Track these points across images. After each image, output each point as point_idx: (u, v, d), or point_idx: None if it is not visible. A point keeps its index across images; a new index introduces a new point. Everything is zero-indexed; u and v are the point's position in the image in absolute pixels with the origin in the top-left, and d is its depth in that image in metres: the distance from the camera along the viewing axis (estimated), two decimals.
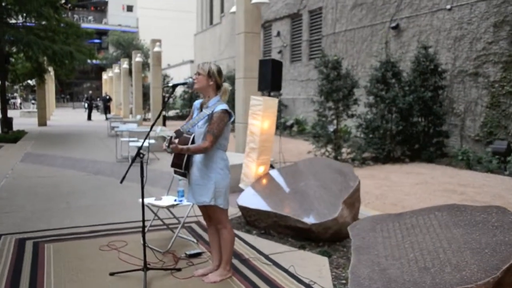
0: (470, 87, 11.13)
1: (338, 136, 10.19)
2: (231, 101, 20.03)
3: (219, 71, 3.15)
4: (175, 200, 4.10)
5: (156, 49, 15.23)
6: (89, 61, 15.82)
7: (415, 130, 10.44)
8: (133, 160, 3.11)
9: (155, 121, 3.20)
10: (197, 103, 3.30)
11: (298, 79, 18.90)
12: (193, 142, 3.09)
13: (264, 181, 5.25)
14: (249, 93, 8.53)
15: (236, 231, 4.55)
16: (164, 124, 17.02)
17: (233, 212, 5.23)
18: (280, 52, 20.01)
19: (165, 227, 4.43)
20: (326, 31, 17.05)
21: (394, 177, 8.26)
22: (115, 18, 43.57)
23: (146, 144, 3.31)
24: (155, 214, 4.21)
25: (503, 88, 10.27)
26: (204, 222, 4.79)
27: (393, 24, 13.42)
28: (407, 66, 11.64)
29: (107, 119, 25.56)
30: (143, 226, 3.29)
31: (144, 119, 19.45)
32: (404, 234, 3.32)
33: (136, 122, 14.82)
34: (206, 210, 3.22)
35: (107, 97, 26.26)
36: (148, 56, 27.56)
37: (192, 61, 31.54)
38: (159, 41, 15.50)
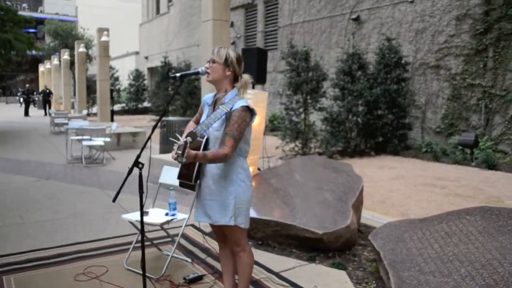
0: (432, 79, 11.20)
1: (306, 130, 9.84)
2: (192, 96, 18.91)
3: (239, 59, 2.52)
4: (166, 214, 3.46)
5: (104, 38, 14.07)
6: (28, 51, 14.32)
7: (381, 123, 10.32)
8: (129, 171, 2.46)
9: (158, 122, 2.57)
10: (207, 98, 2.69)
11: None
12: (205, 148, 2.49)
13: (254, 184, 4.70)
14: None
15: None
16: (112, 120, 15.88)
17: None
18: (233, 43, 19.40)
19: (148, 243, 3.77)
20: (283, 22, 16.67)
21: (368, 172, 8.01)
22: (52, 6, 40.61)
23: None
24: (140, 231, 3.52)
25: (464, 81, 10.39)
26: (191, 235, 4.21)
27: (354, 16, 13.28)
28: (369, 58, 11.50)
29: (46, 114, 23.71)
30: (143, 254, 2.62)
31: (88, 114, 18.10)
32: (442, 244, 2.93)
33: (81, 118, 13.65)
34: (222, 230, 2.61)
35: (47, 91, 24.30)
36: (90, 46, 25.86)
37: (137, 53, 30.06)
38: (107, 30, 14.34)
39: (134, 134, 10.62)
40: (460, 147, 9.74)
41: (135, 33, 30.61)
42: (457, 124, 10.64)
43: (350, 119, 10.28)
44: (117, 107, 24.20)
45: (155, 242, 3.84)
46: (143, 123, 17.95)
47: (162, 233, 3.97)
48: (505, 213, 3.07)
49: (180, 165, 2.50)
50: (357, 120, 10.31)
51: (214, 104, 2.56)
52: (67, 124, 10.36)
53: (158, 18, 26.75)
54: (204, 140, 2.49)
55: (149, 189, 6.18)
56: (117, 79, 24.14)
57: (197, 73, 2.52)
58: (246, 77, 2.55)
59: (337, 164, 4.67)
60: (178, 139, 2.26)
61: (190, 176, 2.52)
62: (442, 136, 10.95)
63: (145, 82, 24.10)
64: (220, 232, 2.70)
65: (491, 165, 8.43)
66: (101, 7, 39.88)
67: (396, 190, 6.48)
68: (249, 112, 2.46)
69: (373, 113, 10.30)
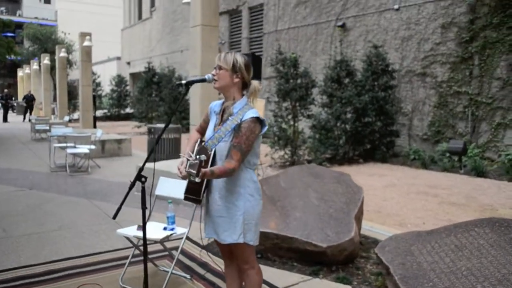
0: (418, 87, 11.27)
1: (295, 137, 9.75)
2: (176, 102, 19.53)
3: (247, 65, 2.38)
4: (165, 229, 3.28)
5: (86, 43, 13.76)
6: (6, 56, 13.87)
7: (369, 130, 10.32)
8: (132, 185, 2.30)
9: (164, 128, 2.41)
10: (215, 105, 2.54)
11: None
12: (212, 160, 2.34)
13: None
14: (207, 93, 7.77)
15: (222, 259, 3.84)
16: (94, 126, 15.53)
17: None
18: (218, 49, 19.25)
19: (141, 257, 3.57)
20: (268, 28, 16.63)
21: (359, 180, 7.92)
22: (31, 10, 39.76)
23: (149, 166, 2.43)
24: (136, 247, 3.34)
25: (450, 88, 10.48)
26: (187, 248, 4.03)
27: (339, 23, 13.31)
28: (356, 66, 11.52)
29: (25, 120, 23.07)
30: (145, 276, 2.45)
31: (70, 120, 17.67)
32: (453, 258, 2.84)
33: (63, 124, 13.27)
34: (229, 247, 2.46)
35: (31, 96, 23.67)
36: (70, 51, 25.36)
37: (119, 58, 29.62)
38: (89, 34, 14.03)
39: (119, 141, 10.36)
40: (447, 155, 9.80)
41: (117, 38, 30.19)
42: (443, 131, 10.71)
43: (339, 126, 10.26)
44: (98, 113, 23.77)
45: (150, 256, 3.65)
46: (127, 129, 17.62)
47: (157, 247, 3.80)
48: None
49: (187, 180, 2.34)
50: (345, 127, 10.28)
51: (222, 113, 2.42)
52: (49, 130, 10.02)
53: (141, 23, 26.43)
54: (212, 153, 2.35)
55: (137, 198, 5.95)
56: (98, 84, 23.71)
57: (204, 80, 2.38)
58: (255, 83, 2.41)
59: (336, 174, 4.56)
60: (190, 156, 2.11)
61: (198, 191, 2.37)
62: (429, 143, 11.01)
63: (128, 87, 23.72)
64: (226, 250, 2.55)
65: (480, 173, 8.48)
66: (81, 12, 39.25)
67: (390, 199, 6.42)
68: (259, 123, 2.32)
69: (362, 120, 10.29)
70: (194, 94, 7.91)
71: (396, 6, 11.58)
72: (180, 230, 3.28)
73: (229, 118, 2.30)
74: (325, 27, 14.05)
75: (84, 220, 4.98)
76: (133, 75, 27.68)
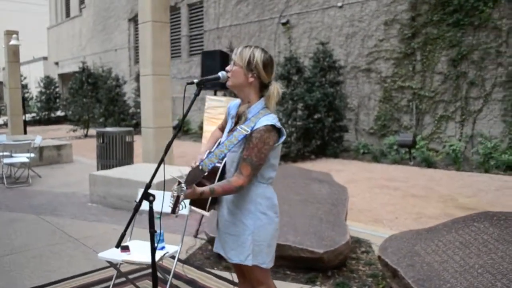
0: (363, 82, 11.54)
1: None
2: (113, 103, 17.94)
3: (266, 63, 2.03)
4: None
5: (13, 42, 12.54)
6: None
7: (320, 126, 10.38)
8: (138, 206, 1.94)
9: (173, 139, 2.07)
10: (232, 106, 2.22)
11: (178, 76, 17.73)
12: (223, 172, 2.06)
13: None
14: (159, 92, 7.34)
15: (212, 270, 3.55)
16: (25, 132, 14.26)
17: (191, 244, 4.17)
18: None
19: (123, 279, 3.18)
20: (209, 26, 16.27)
21: None
22: None
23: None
24: (118, 270, 2.92)
25: (395, 83, 10.84)
26: (167, 264, 3.66)
27: (283, 20, 13.30)
28: (303, 63, 11.55)
29: None
30: None
31: None
32: (462, 256, 2.78)
33: None
34: (240, 265, 2.17)
35: None
36: None
37: (45, 58, 27.62)
38: (16, 33, 12.83)
39: (59, 147, 9.53)
40: (395, 147, 10.12)
41: (43, 37, 28.12)
42: (389, 125, 11.06)
43: (290, 123, 10.21)
44: (27, 117, 21.99)
45: (130, 277, 3.25)
46: (60, 133, 16.43)
47: (134, 266, 3.40)
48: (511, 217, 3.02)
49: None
50: (297, 124, 10.26)
51: (238, 116, 2.12)
52: None
53: (69, 21, 24.80)
54: (221, 166, 2.06)
55: (93, 210, 5.43)
56: (25, 86, 21.92)
57: (218, 79, 2.06)
58: (276, 86, 2.08)
59: (316, 174, 4.42)
60: (181, 177, 1.82)
61: (203, 205, 2.07)
62: (375, 137, 11.32)
63: (57, 89, 22.17)
64: (237, 267, 2.26)
65: (429, 164, 8.81)
66: (2, 10, 36.13)
67: (356, 195, 6.42)
68: (275, 132, 1.99)
69: (313, 116, 10.32)
70: (146, 93, 7.43)
71: (339, 4, 11.76)
72: (171, 248, 2.92)
73: (238, 126, 1.99)
74: (268, 24, 13.97)
75: (38, 240, 4.39)
76: (62, 76, 25.94)
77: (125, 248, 2.82)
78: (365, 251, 3.95)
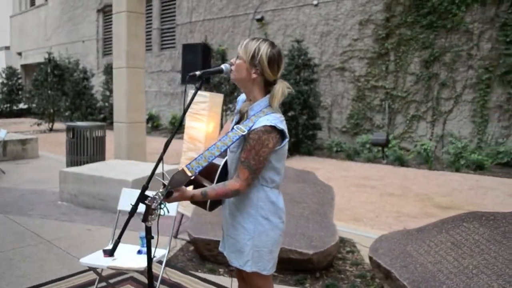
0: (337, 81, 11.60)
1: None
2: (80, 96, 17.43)
3: (272, 59, 1.86)
4: (139, 252, 2.70)
5: None
6: None
7: (294, 123, 10.35)
8: (134, 209, 1.78)
9: (172, 137, 1.90)
10: (241, 99, 2.08)
11: (148, 70, 17.31)
12: (224, 169, 1.94)
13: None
14: (134, 86, 7.10)
15: (196, 273, 3.41)
16: None
17: (171, 245, 3.99)
18: None
19: (104, 284, 2.99)
20: (181, 20, 15.95)
21: None
22: None
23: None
24: (99, 275, 2.72)
25: (368, 82, 10.95)
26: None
27: (258, 16, 13.18)
28: None
29: None
30: None
31: None
32: (455, 256, 2.77)
33: None
34: (240, 270, 2.05)
35: None
36: None
37: (7, 47, 26.38)
38: None
39: (24, 142, 9.06)
40: (368, 146, 10.22)
41: (5, 26, 26.83)
42: (362, 123, 11.17)
43: None
44: None
45: (111, 281, 3.06)
46: (24, 127, 15.71)
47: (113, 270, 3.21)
48: (500, 217, 3.04)
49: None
50: None
51: (242, 113, 1.99)
52: None
53: (34, 9, 23.77)
54: (221, 164, 1.93)
55: (63, 209, 5.13)
56: None
57: (220, 71, 1.92)
58: (282, 85, 1.91)
59: (299, 172, 4.34)
60: (163, 184, 1.72)
61: (203, 204, 1.94)
62: (348, 135, 11.41)
63: (20, 81, 21.20)
64: (238, 270, 2.13)
65: (402, 163, 8.94)
66: None
67: (335, 194, 6.39)
68: (275, 133, 1.83)
69: (288, 114, 10.28)
70: (119, 87, 7.16)
71: (315, 2, 11.76)
72: (157, 252, 2.74)
73: (235, 126, 1.86)
74: (242, 20, 13.83)
75: (6, 242, 4.09)
76: (25, 67, 24.86)
77: (109, 252, 2.64)
78: (351, 251, 3.91)
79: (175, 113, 16.07)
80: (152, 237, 1.80)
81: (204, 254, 3.63)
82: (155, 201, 1.66)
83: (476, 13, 9.05)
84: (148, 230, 1.77)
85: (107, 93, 16.12)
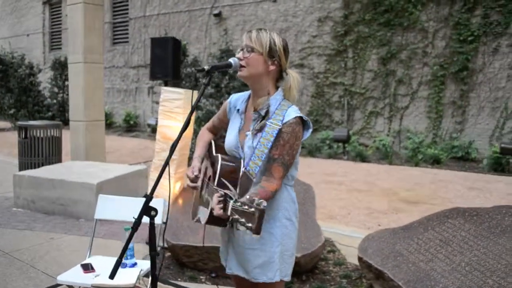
0: None
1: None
2: (27, 93, 16.37)
3: (286, 47, 1.79)
4: (124, 266, 2.46)
5: None
6: None
7: None
8: (138, 223, 1.58)
9: (183, 129, 1.71)
10: (236, 100, 1.93)
11: None
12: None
13: (181, 203, 3.96)
14: (91, 82, 6.70)
15: (177, 282, 3.23)
16: None
17: (145, 252, 3.77)
18: None
19: None
20: (135, 13, 15.40)
21: None
22: None
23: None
24: None
25: (327, 79, 11.06)
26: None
27: (215, 12, 12.96)
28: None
29: None
30: None
31: None
32: (446, 254, 2.78)
33: None
34: (243, 280, 1.90)
35: None
36: None
37: None
38: None
39: None
40: (327, 142, 10.33)
41: None
42: (321, 120, 11.28)
43: None
44: None
45: None
46: None
47: None
48: (483, 213, 3.09)
49: (209, 207, 1.69)
50: None
51: (247, 110, 1.84)
52: None
53: None
54: (241, 165, 1.75)
55: (20, 216, 4.79)
56: None
57: (229, 66, 1.75)
58: (294, 74, 1.80)
59: None
60: (228, 195, 1.46)
61: (224, 221, 1.73)
62: None
63: None
64: (239, 280, 1.97)
65: (363, 158, 9.10)
66: None
67: None
68: (302, 125, 1.74)
69: None
70: (76, 83, 6.73)
71: None
72: (143, 264, 2.53)
73: (267, 123, 1.72)
74: (199, 15, 13.54)
75: None
76: None
77: (88, 268, 2.40)
78: (331, 250, 3.88)
79: (129, 110, 15.51)
80: (158, 254, 1.62)
81: (183, 261, 3.45)
82: (252, 206, 1.38)
83: (431, 12, 9.37)
84: (153, 245, 1.59)
85: (56, 89, 15.27)
